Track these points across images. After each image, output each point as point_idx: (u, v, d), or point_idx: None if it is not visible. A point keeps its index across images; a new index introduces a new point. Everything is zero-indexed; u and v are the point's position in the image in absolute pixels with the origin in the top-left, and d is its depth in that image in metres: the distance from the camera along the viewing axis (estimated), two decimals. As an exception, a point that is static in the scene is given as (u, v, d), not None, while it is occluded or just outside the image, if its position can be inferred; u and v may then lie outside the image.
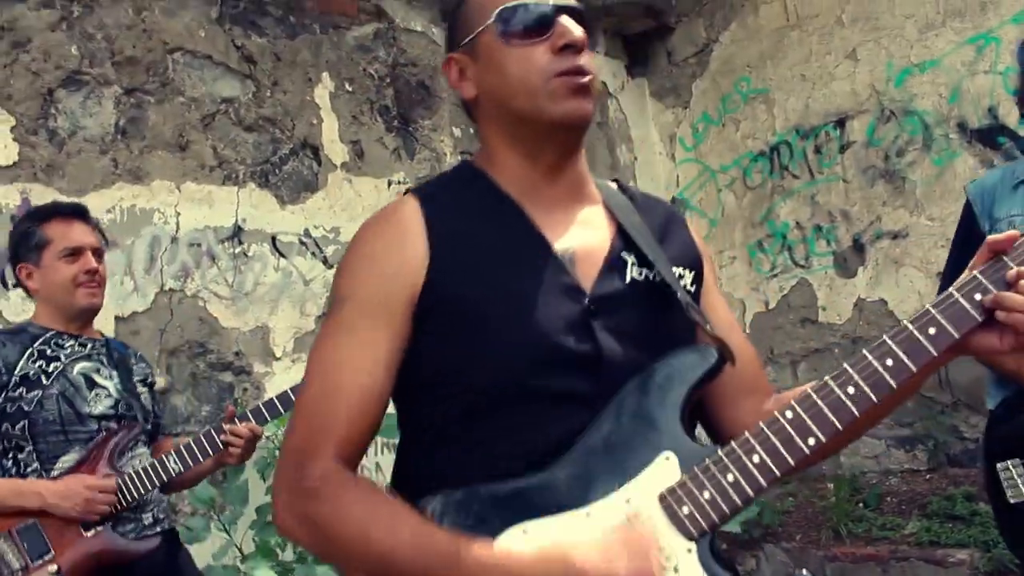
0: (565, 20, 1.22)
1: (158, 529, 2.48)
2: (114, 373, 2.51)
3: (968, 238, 2.36)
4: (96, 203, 3.79)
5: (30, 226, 2.50)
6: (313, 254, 4.40)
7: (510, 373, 1.16)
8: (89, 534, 2.34)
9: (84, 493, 2.30)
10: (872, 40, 5.41)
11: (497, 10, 1.23)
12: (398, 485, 1.23)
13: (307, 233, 4.39)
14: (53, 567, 2.31)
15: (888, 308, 5.38)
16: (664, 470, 1.14)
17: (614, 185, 1.40)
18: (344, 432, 1.15)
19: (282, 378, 4.08)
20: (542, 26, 1.22)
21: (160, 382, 3.83)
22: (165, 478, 2.40)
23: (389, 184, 4.78)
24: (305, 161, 4.47)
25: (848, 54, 5.52)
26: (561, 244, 1.25)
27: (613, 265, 1.26)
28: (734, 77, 6.07)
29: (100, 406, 2.44)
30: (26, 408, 2.35)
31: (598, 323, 1.20)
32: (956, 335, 1.07)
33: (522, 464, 1.14)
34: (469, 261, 1.20)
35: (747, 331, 6.03)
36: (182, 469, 2.42)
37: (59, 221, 2.49)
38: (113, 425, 2.44)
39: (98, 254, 2.52)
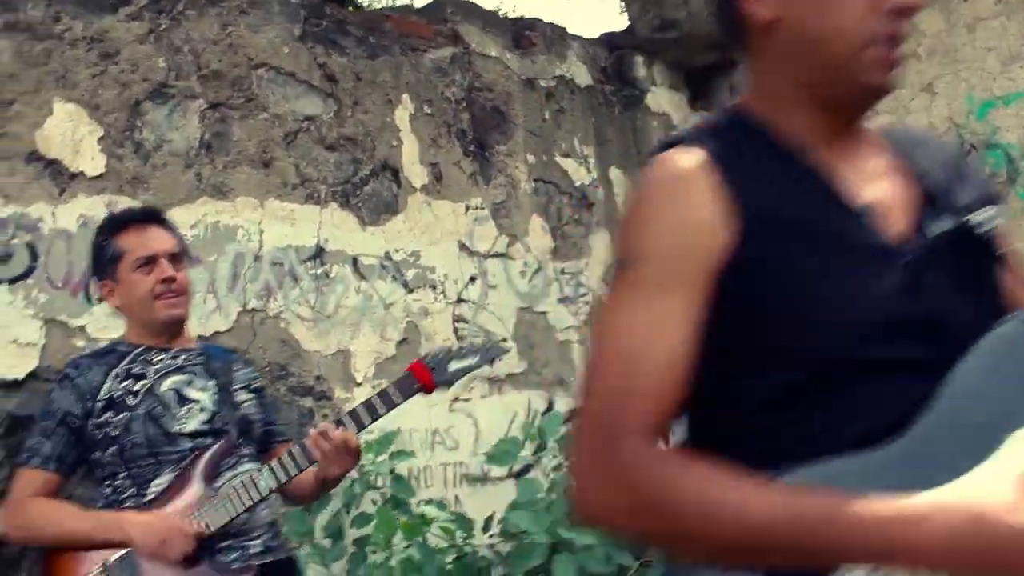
0: None
1: (268, 559, 2.21)
2: (210, 384, 2.27)
3: None
4: (181, 218, 3.59)
5: (104, 238, 2.29)
6: (394, 278, 4.18)
7: (838, 343, 1.00)
8: (182, 565, 2.09)
9: (161, 533, 2.04)
10: (951, 73, 5.23)
11: None
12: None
13: (388, 256, 4.18)
14: None
15: (970, 345, 5.14)
16: None
17: (891, 128, 1.23)
18: (652, 404, 1.00)
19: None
20: None
21: (241, 405, 3.60)
22: (257, 496, 2.12)
23: (467, 209, 4.58)
24: (385, 183, 4.28)
25: (924, 87, 5.34)
26: (863, 199, 1.08)
27: (919, 218, 1.10)
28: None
29: (192, 422, 2.20)
30: (114, 433, 2.15)
31: (919, 283, 1.04)
32: None
33: (860, 439, 0.98)
34: (774, 221, 1.05)
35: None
36: (275, 485, 2.13)
37: (132, 230, 2.27)
38: (208, 441, 2.19)
39: (176, 259, 2.28)
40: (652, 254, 1.04)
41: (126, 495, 2.14)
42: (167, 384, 2.22)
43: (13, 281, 3.14)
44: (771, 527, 0.89)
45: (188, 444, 2.18)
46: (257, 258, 3.76)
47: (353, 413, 2.16)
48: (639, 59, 5.97)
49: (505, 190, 4.81)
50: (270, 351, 3.72)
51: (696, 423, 1.10)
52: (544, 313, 4.81)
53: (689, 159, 1.07)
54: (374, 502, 3.37)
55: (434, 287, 4.34)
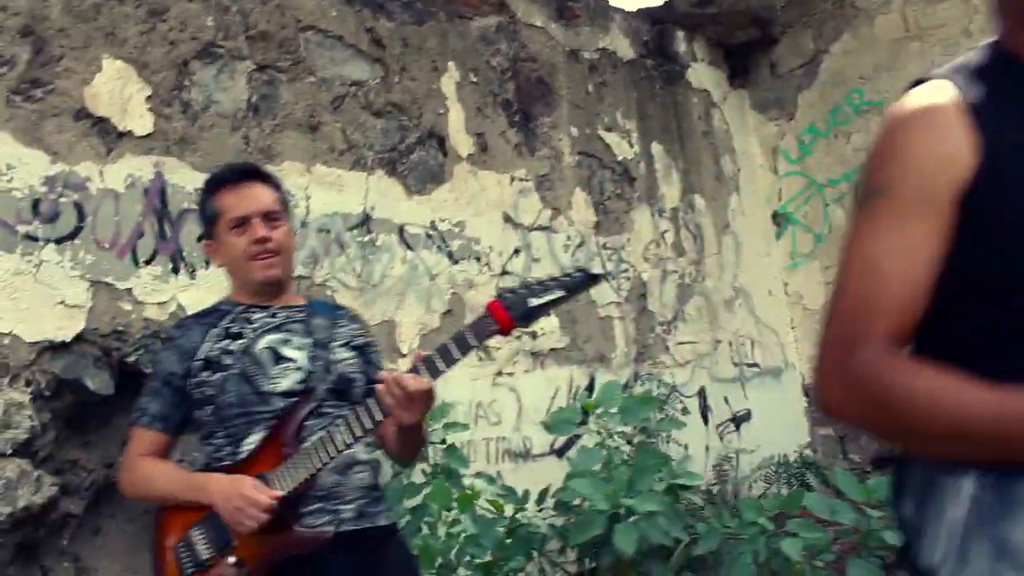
0: None
1: (365, 524, 2.06)
2: (307, 342, 2.13)
3: None
4: (228, 181, 3.48)
5: (204, 198, 2.19)
6: (439, 248, 4.07)
7: None
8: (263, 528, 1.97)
9: (236, 502, 1.92)
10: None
11: None
12: None
13: (433, 226, 4.06)
14: (232, 559, 1.96)
15: None
16: None
17: None
18: (894, 318, 1.09)
19: (407, 376, 3.73)
20: None
21: (287, 374, 3.49)
22: (334, 452, 1.94)
23: (512, 180, 4.45)
24: (431, 151, 4.15)
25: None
26: None
27: None
28: (845, 89, 5.73)
29: (286, 382, 2.07)
30: (210, 392, 2.06)
31: None
32: None
33: None
34: (1020, 152, 1.06)
35: (856, 350, 5.64)
36: (351, 439, 1.93)
37: (227, 189, 2.14)
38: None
39: (272, 217, 2.13)
40: (901, 184, 1.10)
41: (223, 453, 2.06)
42: (264, 343, 2.08)
43: (60, 241, 3.03)
44: (986, 421, 0.98)
45: (280, 404, 2.03)
46: (304, 224, 3.64)
47: (428, 360, 1.97)
48: (680, 34, 5.83)
49: (549, 162, 4.68)
50: (316, 319, 3.61)
51: (925, 342, 1.16)
52: (586, 288, 4.69)
53: (938, 93, 1.11)
54: (424, 472, 3.26)
55: (479, 258, 4.22)
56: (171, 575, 2.01)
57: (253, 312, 2.15)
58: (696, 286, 5.34)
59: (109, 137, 3.21)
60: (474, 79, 4.40)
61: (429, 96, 4.20)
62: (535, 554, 3.04)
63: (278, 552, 1.96)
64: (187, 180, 3.35)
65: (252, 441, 2.03)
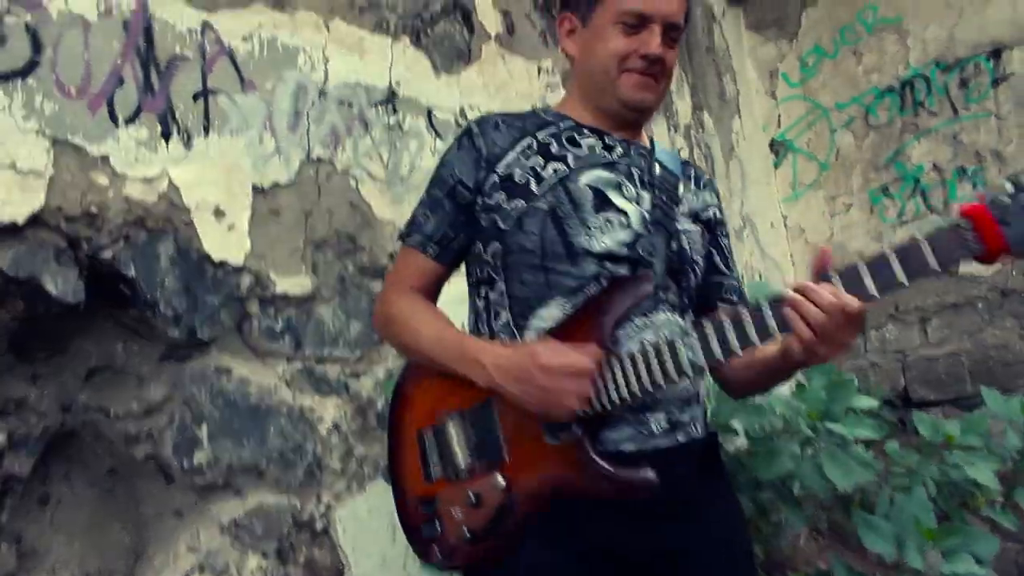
0: None
1: (680, 439, 1.39)
2: (644, 195, 1.46)
3: None
4: (229, 25, 2.53)
5: None
6: (471, 139, 3.23)
7: None
8: (553, 444, 1.33)
9: (540, 379, 1.28)
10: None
11: None
12: None
13: (463, 113, 3.21)
14: (501, 482, 1.36)
15: (1051, 258, 4.55)
16: None
17: None
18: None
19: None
20: None
21: (305, 284, 2.60)
22: (674, 376, 1.27)
23: (539, 71, 3.63)
24: (456, 25, 3.29)
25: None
26: None
27: None
28: (857, 5, 5.15)
29: (608, 239, 1.41)
30: (502, 224, 1.45)
31: None
32: None
33: None
34: None
35: (866, 285, 5.11)
36: (703, 363, 1.25)
37: None
38: (622, 270, 1.40)
39: (672, 33, 1.45)
40: None
41: (499, 321, 1.44)
42: (587, 178, 1.43)
43: (6, 78, 2.04)
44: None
45: (592, 268, 1.39)
46: (322, 93, 2.73)
47: (849, 273, 1.16)
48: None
49: (574, 56, 3.89)
50: (338, 216, 2.72)
51: None
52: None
53: None
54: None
55: (513, 157, 3.41)
56: (410, 464, 1.47)
57: (584, 134, 1.48)
58: (710, 211, 4.68)
59: (72, -55, 2.22)
60: (498, -53, 3.55)
61: (454, -42, 3.33)
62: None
63: (564, 487, 1.32)
64: (179, 17, 2.40)
65: (546, 316, 1.40)
